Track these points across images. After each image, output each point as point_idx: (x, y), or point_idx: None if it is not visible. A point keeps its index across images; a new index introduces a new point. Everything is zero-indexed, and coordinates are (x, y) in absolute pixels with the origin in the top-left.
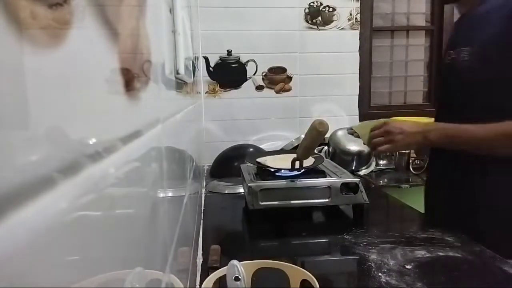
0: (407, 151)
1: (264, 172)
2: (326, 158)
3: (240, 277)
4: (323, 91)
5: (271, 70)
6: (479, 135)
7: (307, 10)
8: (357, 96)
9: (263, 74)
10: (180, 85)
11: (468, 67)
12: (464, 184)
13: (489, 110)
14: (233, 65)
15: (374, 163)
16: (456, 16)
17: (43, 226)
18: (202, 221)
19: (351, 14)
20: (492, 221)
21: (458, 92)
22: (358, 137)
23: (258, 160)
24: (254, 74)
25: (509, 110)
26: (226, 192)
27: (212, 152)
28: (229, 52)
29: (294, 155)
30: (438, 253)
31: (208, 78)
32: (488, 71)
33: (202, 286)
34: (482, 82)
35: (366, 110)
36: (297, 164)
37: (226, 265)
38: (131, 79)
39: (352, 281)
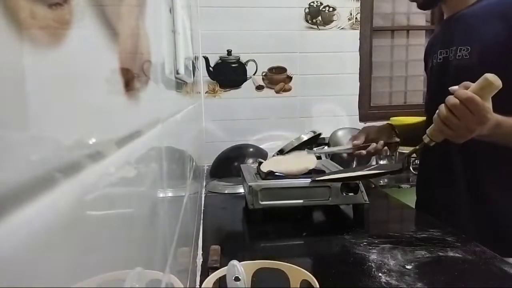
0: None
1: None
2: (326, 158)
3: (240, 277)
4: (323, 91)
5: (271, 70)
6: None
7: (307, 10)
8: (357, 96)
9: (263, 74)
10: (180, 85)
11: (467, 65)
12: (455, 182)
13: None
14: (233, 65)
15: (374, 163)
16: None
17: (43, 226)
18: (202, 221)
19: (351, 14)
20: (483, 219)
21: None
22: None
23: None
24: (254, 74)
25: (509, 109)
26: (226, 192)
27: (212, 152)
28: (229, 52)
29: (304, 153)
30: (438, 253)
31: (208, 78)
32: (489, 70)
33: (202, 286)
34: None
35: (366, 110)
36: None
37: (226, 265)
38: (131, 79)
39: (352, 281)
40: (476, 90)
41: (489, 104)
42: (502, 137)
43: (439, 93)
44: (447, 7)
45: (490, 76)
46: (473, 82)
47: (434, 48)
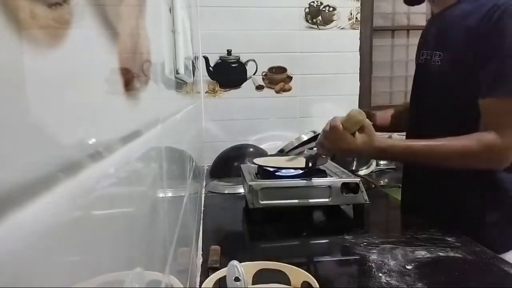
0: None
1: (265, 172)
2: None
3: (240, 277)
4: (323, 91)
5: (271, 70)
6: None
7: (307, 10)
8: (357, 96)
9: (263, 74)
10: (180, 85)
11: (439, 71)
12: (438, 181)
13: (456, 111)
14: (233, 65)
15: (374, 163)
16: None
17: (43, 226)
18: (202, 221)
19: (351, 14)
20: (465, 218)
21: (428, 92)
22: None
23: (257, 162)
24: (254, 74)
25: (471, 113)
26: (226, 192)
27: (212, 152)
28: (229, 52)
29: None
30: (439, 253)
31: (208, 78)
32: (458, 76)
33: (202, 286)
34: (452, 85)
35: (367, 110)
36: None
37: (226, 265)
38: (131, 79)
39: (352, 281)
40: (344, 121)
41: (355, 135)
42: (397, 160)
43: (419, 93)
44: (433, 5)
45: (352, 112)
46: (447, 89)
47: (419, 47)
